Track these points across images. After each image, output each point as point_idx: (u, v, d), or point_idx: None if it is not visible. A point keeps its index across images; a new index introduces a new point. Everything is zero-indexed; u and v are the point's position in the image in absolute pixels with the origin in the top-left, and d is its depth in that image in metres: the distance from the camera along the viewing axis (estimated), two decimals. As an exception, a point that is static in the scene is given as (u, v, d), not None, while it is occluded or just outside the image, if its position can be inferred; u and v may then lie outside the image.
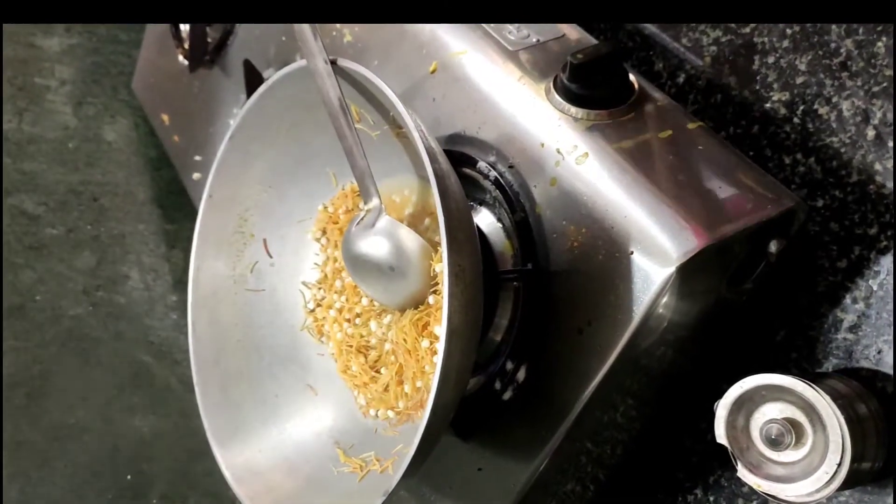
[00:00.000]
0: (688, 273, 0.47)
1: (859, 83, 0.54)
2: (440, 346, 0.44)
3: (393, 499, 0.48)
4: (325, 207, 0.65)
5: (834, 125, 0.55)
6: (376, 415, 0.60)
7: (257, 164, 0.63)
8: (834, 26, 0.54)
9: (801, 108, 0.57)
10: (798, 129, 0.57)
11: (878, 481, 0.51)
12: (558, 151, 0.53)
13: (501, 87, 0.57)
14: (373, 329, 0.60)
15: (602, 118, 0.54)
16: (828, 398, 0.46)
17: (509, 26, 0.60)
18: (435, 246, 0.54)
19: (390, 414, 0.58)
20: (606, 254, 0.49)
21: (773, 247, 0.51)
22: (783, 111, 0.58)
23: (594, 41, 0.60)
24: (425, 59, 0.61)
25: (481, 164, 0.56)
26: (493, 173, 0.56)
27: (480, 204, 0.58)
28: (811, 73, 0.56)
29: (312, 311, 0.65)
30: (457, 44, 0.60)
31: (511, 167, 0.55)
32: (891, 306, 0.51)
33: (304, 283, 0.66)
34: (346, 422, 0.61)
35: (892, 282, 0.51)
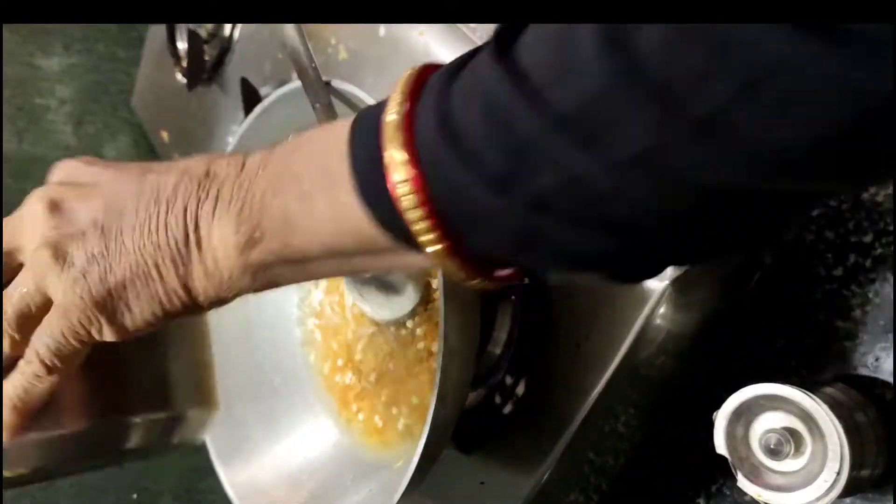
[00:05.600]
0: (683, 285, 0.47)
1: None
2: (437, 364, 0.44)
3: (396, 514, 0.48)
4: None
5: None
6: (377, 430, 0.60)
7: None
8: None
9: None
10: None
11: (879, 488, 0.51)
12: (553, 165, 0.53)
13: (495, 101, 0.57)
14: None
15: (595, 131, 0.54)
16: (825, 407, 0.46)
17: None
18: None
19: (390, 429, 0.59)
20: (602, 267, 0.49)
21: (767, 257, 0.51)
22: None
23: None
24: (420, 74, 0.61)
25: (477, 179, 0.56)
26: (488, 188, 0.56)
27: (477, 218, 0.58)
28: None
29: (311, 327, 0.66)
30: (450, 57, 0.60)
31: (506, 182, 0.55)
32: (888, 314, 0.51)
33: (302, 300, 0.66)
34: (347, 437, 0.62)
35: (888, 289, 0.51)
